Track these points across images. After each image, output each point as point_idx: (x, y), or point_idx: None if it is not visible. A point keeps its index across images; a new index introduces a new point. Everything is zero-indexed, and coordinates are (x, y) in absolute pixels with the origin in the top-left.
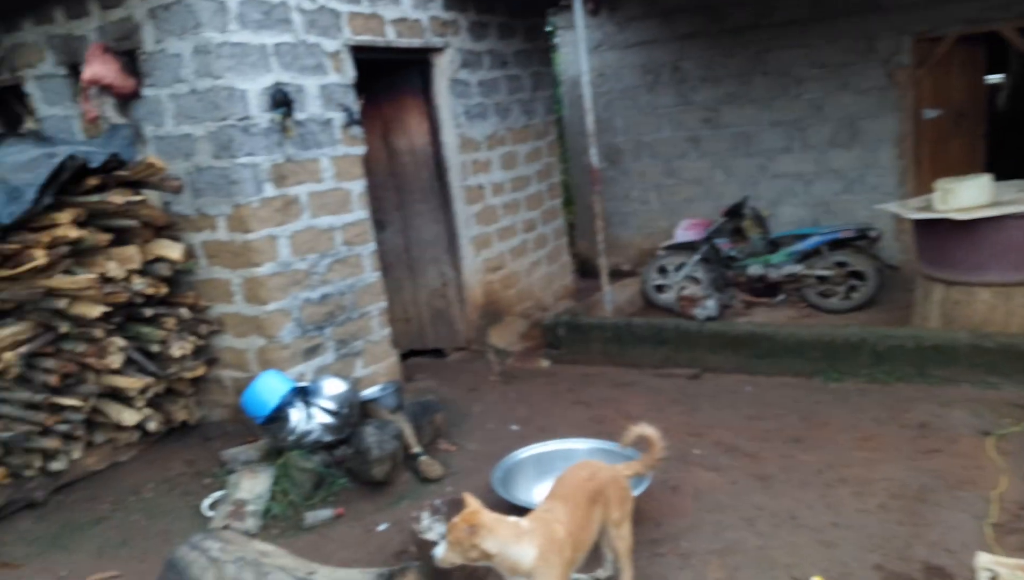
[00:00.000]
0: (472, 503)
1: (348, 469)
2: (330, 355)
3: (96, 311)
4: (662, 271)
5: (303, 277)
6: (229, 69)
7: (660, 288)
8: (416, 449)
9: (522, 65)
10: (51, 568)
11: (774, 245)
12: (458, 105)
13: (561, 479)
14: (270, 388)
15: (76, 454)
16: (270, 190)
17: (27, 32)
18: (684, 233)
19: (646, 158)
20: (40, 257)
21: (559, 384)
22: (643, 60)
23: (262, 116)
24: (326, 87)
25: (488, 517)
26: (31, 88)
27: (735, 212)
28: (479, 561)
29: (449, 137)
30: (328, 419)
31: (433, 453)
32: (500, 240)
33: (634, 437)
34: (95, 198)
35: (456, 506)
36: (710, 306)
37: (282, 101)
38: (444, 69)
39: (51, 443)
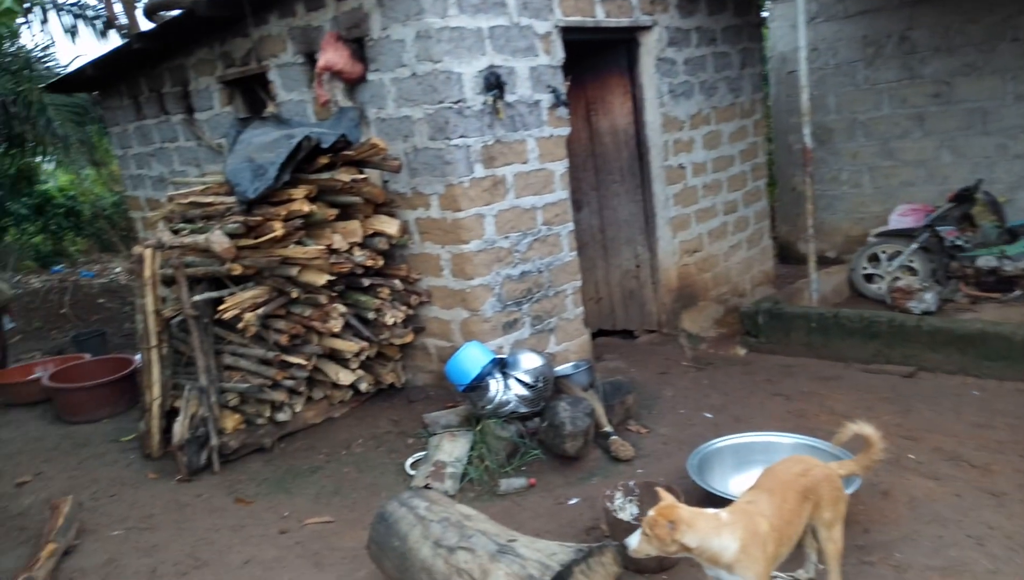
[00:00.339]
0: (666, 497)
1: (541, 441)
2: (526, 330)
3: (322, 279)
4: (873, 259)
5: (505, 255)
6: (447, 53)
7: (870, 278)
8: (607, 428)
9: (730, 41)
10: (275, 508)
11: (1011, 235)
12: (663, 84)
13: (770, 471)
14: (472, 358)
15: (298, 407)
16: (480, 170)
17: (272, 25)
18: (900, 219)
19: (860, 138)
20: (278, 229)
21: (756, 374)
22: (863, 31)
23: (475, 99)
24: (535, 69)
25: (686, 512)
26: (273, 76)
27: (965, 197)
28: (677, 553)
29: (652, 116)
30: (524, 391)
31: (623, 433)
32: (699, 222)
33: (849, 435)
34: (325, 176)
35: (649, 489)
36: (928, 299)
37: (494, 84)
38: (651, 48)
39: (279, 396)
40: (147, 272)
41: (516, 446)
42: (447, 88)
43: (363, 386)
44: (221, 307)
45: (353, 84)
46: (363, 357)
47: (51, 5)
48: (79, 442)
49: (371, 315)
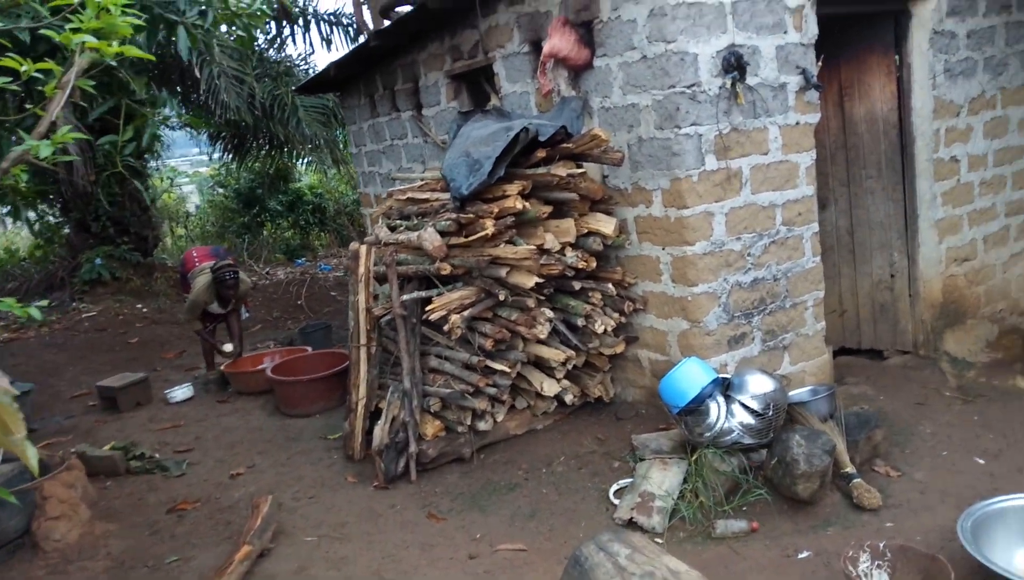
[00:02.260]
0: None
1: (767, 479)
2: (755, 346)
3: (531, 281)
4: None
5: (735, 258)
6: (683, 32)
7: None
8: (848, 468)
9: None
10: (468, 527)
11: None
12: (937, 62)
13: None
14: (691, 378)
15: (500, 416)
16: (711, 163)
17: (500, 14)
18: None
19: None
20: (489, 227)
21: None
22: None
23: (712, 82)
24: (783, 48)
25: None
26: (498, 67)
27: None
28: None
29: (920, 101)
30: (750, 419)
31: (869, 476)
32: (972, 225)
33: None
34: (541, 170)
35: (906, 555)
36: None
37: (734, 65)
38: (925, 19)
39: (480, 404)
40: (361, 268)
41: (737, 482)
42: (680, 71)
43: (568, 398)
44: (428, 307)
45: (578, 71)
46: (569, 366)
47: (312, 15)
48: (292, 436)
49: (580, 322)
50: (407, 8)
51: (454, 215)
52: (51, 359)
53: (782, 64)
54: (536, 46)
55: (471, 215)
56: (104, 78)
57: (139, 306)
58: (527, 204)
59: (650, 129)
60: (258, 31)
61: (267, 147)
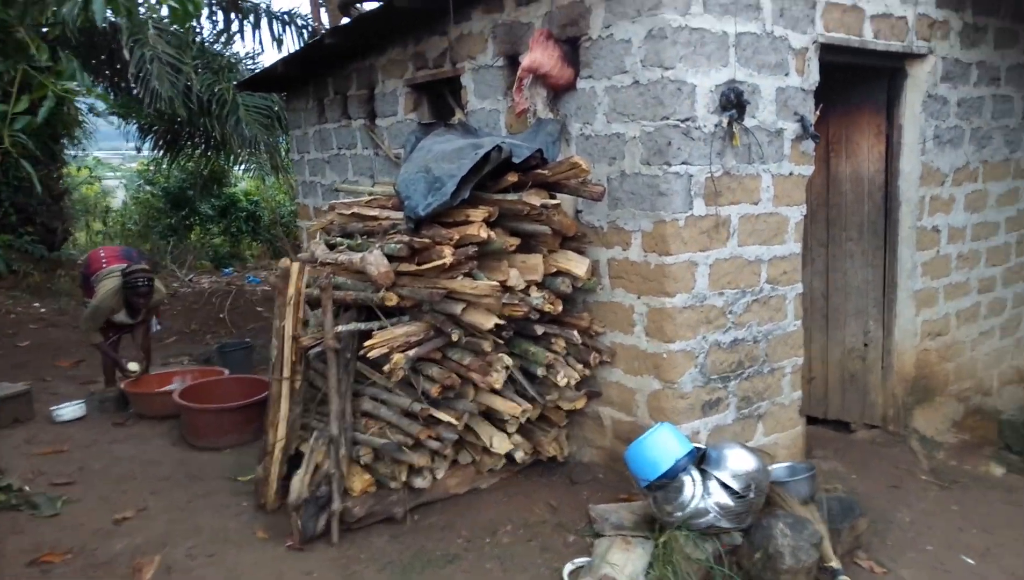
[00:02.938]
0: None
1: (744, 571)
2: (730, 414)
3: (490, 322)
4: None
5: (716, 315)
6: (682, 59)
7: None
8: (833, 563)
9: (1016, 83)
10: None
11: None
12: (928, 127)
13: None
14: (665, 447)
15: (440, 473)
16: (700, 207)
17: (474, 21)
18: None
19: None
20: (447, 255)
21: None
22: None
23: (707, 118)
24: (783, 90)
25: None
26: (467, 80)
27: None
28: None
29: (908, 165)
30: (728, 500)
31: (853, 571)
32: (947, 299)
33: None
34: (511, 197)
35: None
36: None
37: (734, 102)
38: (920, 81)
39: (420, 459)
40: (291, 289)
41: (710, 572)
42: (675, 102)
43: (519, 455)
44: (368, 343)
45: (558, 92)
46: (523, 419)
47: (264, 12)
48: (194, 473)
49: (540, 371)
50: (370, 6)
51: (406, 238)
52: None
53: (780, 108)
54: (512, 60)
55: (426, 240)
56: None
57: (36, 305)
58: (492, 233)
59: (635, 163)
60: (202, 17)
61: (203, 146)
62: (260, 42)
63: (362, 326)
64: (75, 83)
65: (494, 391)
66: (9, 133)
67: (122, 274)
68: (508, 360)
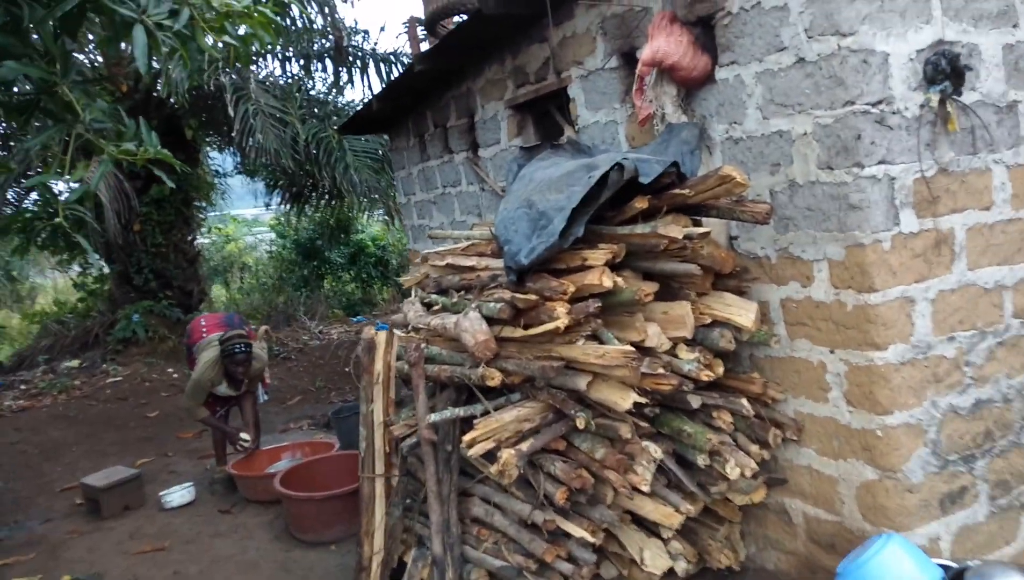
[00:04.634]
0: None
1: None
2: (981, 508)
3: (626, 400)
4: None
5: (949, 370)
6: (866, 19)
7: None
8: None
9: None
10: None
11: None
12: None
13: None
14: (900, 574)
15: None
16: (910, 221)
17: (578, 19)
18: None
19: None
20: (561, 315)
21: None
22: None
23: (909, 97)
24: (1013, 48)
25: None
26: (575, 90)
27: None
28: None
29: None
30: None
31: None
32: None
33: None
34: (641, 229)
35: None
36: None
37: (945, 72)
38: None
39: None
40: (378, 365)
41: None
42: (861, 80)
43: (680, 567)
44: (468, 437)
45: (691, 88)
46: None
47: (370, 56)
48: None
49: (700, 460)
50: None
51: (507, 295)
52: (57, 436)
53: (1011, 73)
54: (628, 58)
55: (532, 296)
56: None
57: (170, 370)
58: (619, 280)
59: (809, 169)
60: (311, 69)
61: (326, 196)
62: (369, 87)
63: (460, 412)
64: (140, 145)
65: (638, 490)
66: (64, 208)
67: (219, 342)
68: (656, 451)
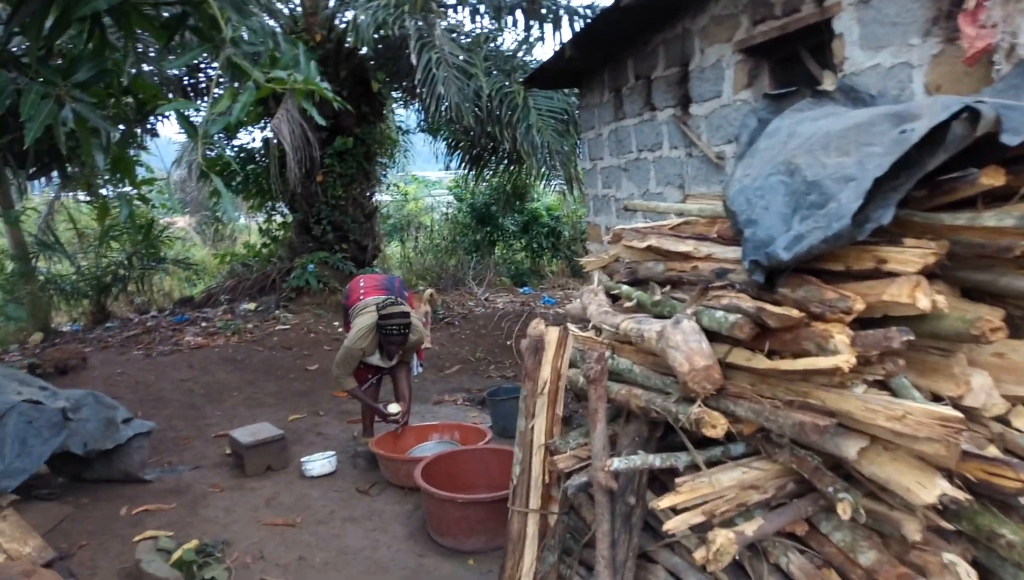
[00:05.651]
0: None
1: None
2: None
3: (930, 491)
4: None
5: None
6: None
7: None
8: None
9: None
10: None
11: None
12: None
13: None
14: None
15: None
16: None
17: None
18: None
19: None
20: (841, 347)
21: None
22: None
23: None
24: None
25: None
26: (843, 22)
27: None
28: None
29: None
30: None
31: None
32: None
33: None
34: (990, 220)
35: None
36: None
37: None
38: None
39: None
40: (544, 371)
41: None
42: None
43: None
44: (665, 502)
45: None
46: None
47: (564, 10)
48: None
49: None
50: None
51: (747, 302)
52: (222, 378)
53: None
54: None
55: (791, 310)
56: None
57: (336, 323)
58: (940, 298)
59: None
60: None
61: (505, 160)
62: (561, 43)
63: (655, 462)
64: (290, 74)
65: None
66: (203, 139)
67: (377, 312)
68: (966, 568)
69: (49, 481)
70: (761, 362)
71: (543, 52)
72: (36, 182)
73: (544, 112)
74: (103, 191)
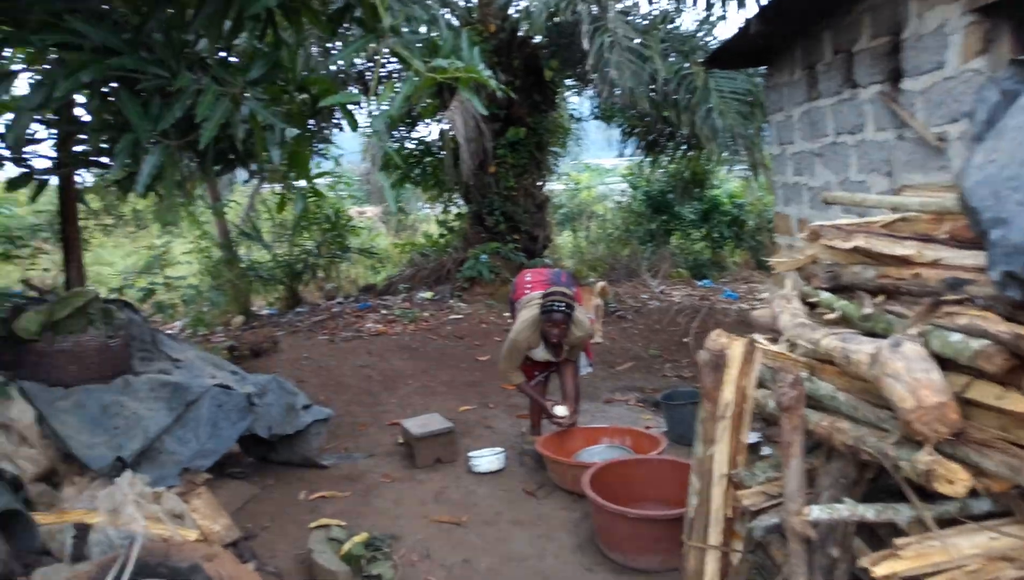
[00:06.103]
0: None
1: None
2: None
3: None
4: None
5: None
6: None
7: None
8: None
9: None
10: None
11: None
12: None
13: None
14: None
15: None
16: None
17: None
18: None
19: None
20: None
21: None
22: None
23: None
24: None
25: None
26: None
27: None
28: None
29: None
30: None
31: None
32: None
33: None
34: None
35: None
36: None
37: None
38: None
39: None
40: (726, 393)
41: None
42: None
43: None
44: (882, 570)
45: None
46: None
47: None
48: None
49: None
50: None
51: (998, 324)
52: (398, 366)
53: None
54: None
55: None
56: None
57: (506, 314)
58: None
59: None
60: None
61: (682, 145)
62: (746, 20)
63: (870, 515)
64: (452, 63)
65: None
66: (374, 134)
67: (540, 301)
68: None
69: (240, 460)
70: (1010, 399)
71: (724, 31)
72: (241, 176)
73: (726, 94)
74: (298, 184)
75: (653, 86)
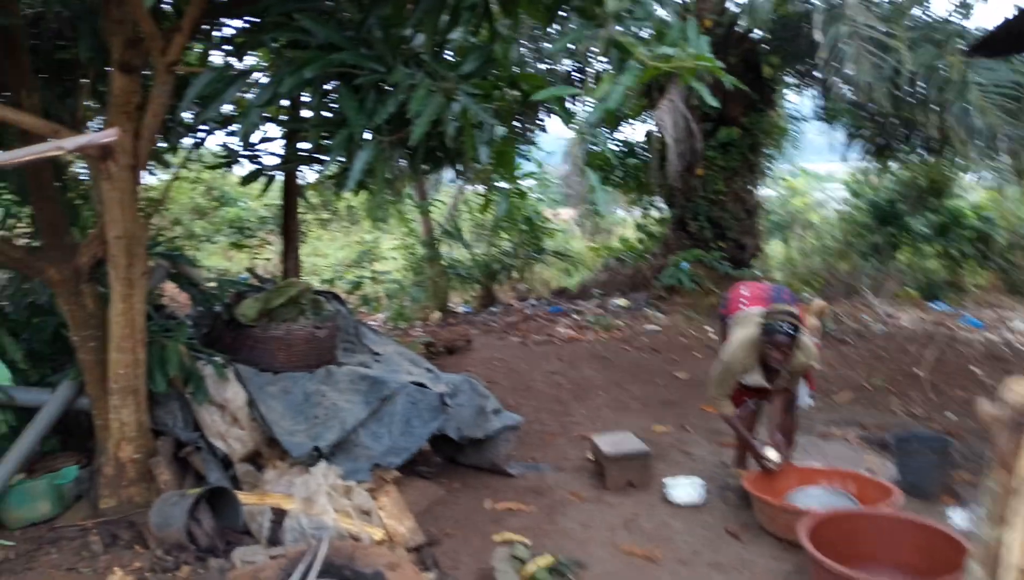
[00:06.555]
0: None
1: None
2: None
3: None
4: None
5: None
6: None
7: None
8: None
9: None
10: None
11: None
12: None
13: None
14: None
15: None
16: None
17: None
18: None
19: None
20: None
21: None
22: None
23: None
24: None
25: None
26: None
27: None
28: None
29: None
30: None
31: None
32: None
33: None
34: None
35: None
36: None
37: None
38: None
39: None
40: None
41: None
42: None
43: None
44: None
45: None
46: None
47: None
48: None
49: None
50: None
51: None
52: (589, 375)
53: None
54: None
55: None
56: None
57: (707, 328)
58: None
59: None
60: None
61: (921, 148)
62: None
63: None
64: (678, 52)
65: None
66: (584, 131)
67: (762, 320)
68: None
69: (429, 459)
70: None
71: (983, 18)
72: (448, 176)
73: (988, 88)
74: (501, 185)
75: (895, 80)
